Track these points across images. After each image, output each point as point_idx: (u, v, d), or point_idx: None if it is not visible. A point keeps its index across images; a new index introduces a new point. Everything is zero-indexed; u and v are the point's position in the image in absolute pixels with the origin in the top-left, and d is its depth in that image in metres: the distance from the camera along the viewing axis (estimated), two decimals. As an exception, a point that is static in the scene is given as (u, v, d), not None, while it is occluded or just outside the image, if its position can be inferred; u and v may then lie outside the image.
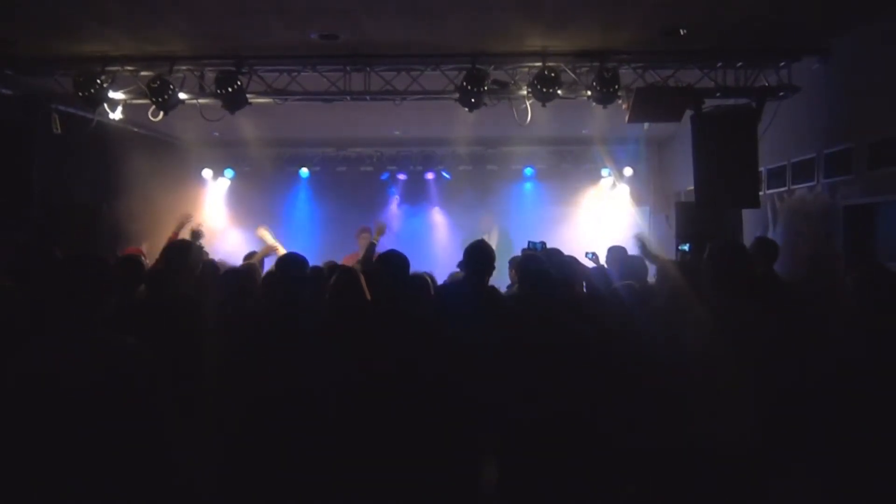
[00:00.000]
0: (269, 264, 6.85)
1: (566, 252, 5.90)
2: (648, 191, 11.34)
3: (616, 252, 6.18)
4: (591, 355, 3.47)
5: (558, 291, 3.98)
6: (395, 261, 3.70)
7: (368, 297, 3.99)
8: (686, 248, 7.12)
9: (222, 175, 12.12)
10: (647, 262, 5.37)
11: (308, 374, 3.39)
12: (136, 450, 2.85)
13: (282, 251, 6.91)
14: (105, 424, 2.77)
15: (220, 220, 11.74)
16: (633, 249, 5.68)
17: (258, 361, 3.46)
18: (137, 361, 2.88)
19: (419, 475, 3.21)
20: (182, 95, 7.25)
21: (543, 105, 7.06)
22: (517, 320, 3.81)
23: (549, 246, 6.17)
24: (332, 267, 5.39)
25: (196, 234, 6.65)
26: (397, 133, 11.00)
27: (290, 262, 3.95)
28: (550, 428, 3.30)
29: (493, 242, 10.28)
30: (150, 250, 7.59)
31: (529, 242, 6.34)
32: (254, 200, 11.78)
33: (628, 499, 3.25)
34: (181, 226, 6.62)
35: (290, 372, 3.39)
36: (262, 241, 7.07)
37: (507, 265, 6.74)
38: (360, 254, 9.76)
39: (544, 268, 4.12)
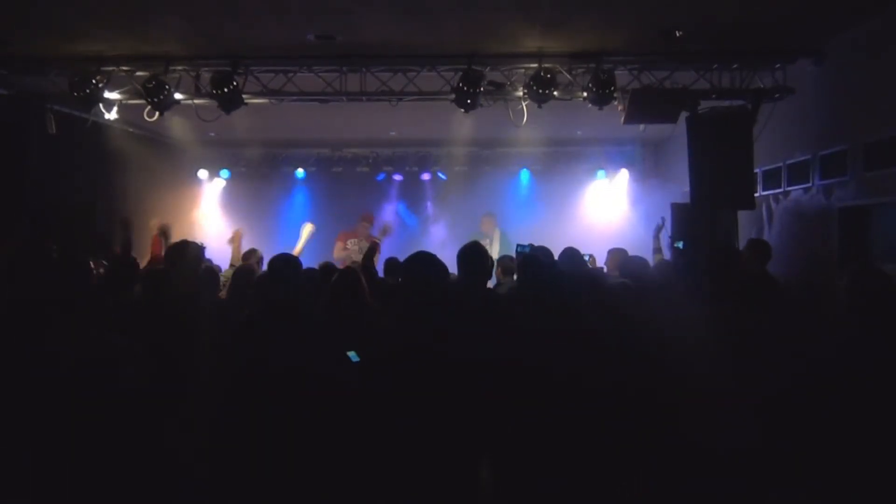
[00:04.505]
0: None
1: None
2: (644, 192, 11.35)
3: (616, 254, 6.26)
4: (591, 355, 3.47)
5: (561, 287, 3.99)
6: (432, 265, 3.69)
7: (369, 297, 3.99)
8: (681, 245, 7.12)
9: (218, 175, 12.11)
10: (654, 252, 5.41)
11: (306, 373, 3.38)
12: (128, 445, 2.85)
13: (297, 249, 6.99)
14: (97, 420, 2.77)
15: (216, 220, 11.73)
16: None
17: (255, 361, 3.45)
18: (128, 359, 2.88)
19: (418, 475, 3.21)
20: (178, 96, 7.24)
21: (539, 106, 7.07)
22: (517, 321, 3.81)
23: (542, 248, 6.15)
24: (327, 268, 5.39)
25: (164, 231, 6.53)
26: (393, 134, 11.00)
27: (283, 264, 3.93)
28: (549, 428, 3.30)
29: (496, 246, 10.23)
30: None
31: (519, 246, 6.34)
32: (249, 201, 11.78)
33: (627, 499, 3.25)
34: (163, 235, 6.48)
35: (288, 371, 3.39)
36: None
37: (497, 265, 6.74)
38: (357, 237, 9.86)
39: (546, 264, 4.12)
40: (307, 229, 7.57)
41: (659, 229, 6.81)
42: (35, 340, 2.90)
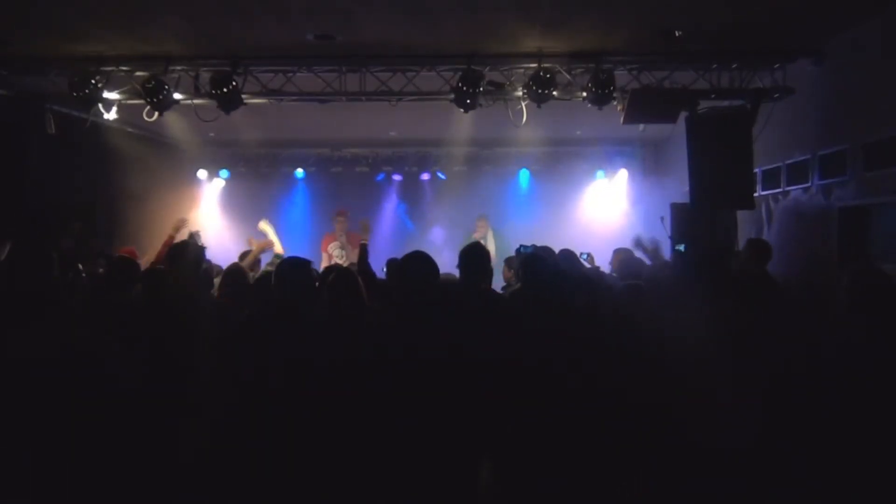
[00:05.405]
0: (264, 260, 6.88)
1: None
2: (644, 192, 11.35)
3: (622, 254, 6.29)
4: (590, 354, 3.47)
5: (561, 287, 3.99)
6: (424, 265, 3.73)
7: (366, 297, 3.98)
8: (682, 248, 7.13)
9: (217, 175, 12.11)
10: (644, 258, 5.41)
11: (305, 373, 3.38)
12: (126, 445, 2.85)
13: (278, 247, 6.95)
14: (93, 420, 2.78)
15: (215, 220, 11.73)
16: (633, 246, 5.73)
17: (255, 361, 3.45)
18: (122, 358, 2.89)
19: (418, 475, 3.21)
20: (177, 96, 7.24)
21: (539, 106, 7.07)
22: (519, 322, 3.81)
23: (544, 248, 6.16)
24: (328, 269, 5.38)
25: (194, 236, 6.61)
26: (392, 134, 11.00)
27: (292, 266, 3.95)
28: (549, 428, 3.30)
29: (490, 245, 10.27)
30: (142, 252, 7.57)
31: (522, 246, 6.35)
32: (249, 201, 11.77)
33: (627, 499, 3.25)
34: (177, 230, 6.56)
35: (288, 371, 3.39)
36: (263, 234, 7.10)
37: (503, 265, 6.75)
38: (337, 237, 9.88)
39: (548, 263, 4.13)
40: (266, 226, 7.38)
41: (637, 243, 6.75)
42: (25, 339, 2.91)
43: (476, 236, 10.68)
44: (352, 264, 7.74)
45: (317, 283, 4.31)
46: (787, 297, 5.39)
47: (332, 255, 9.90)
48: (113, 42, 6.66)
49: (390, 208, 12.53)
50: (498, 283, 6.87)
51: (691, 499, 3.27)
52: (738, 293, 3.93)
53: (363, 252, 6.06)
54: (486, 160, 11.89)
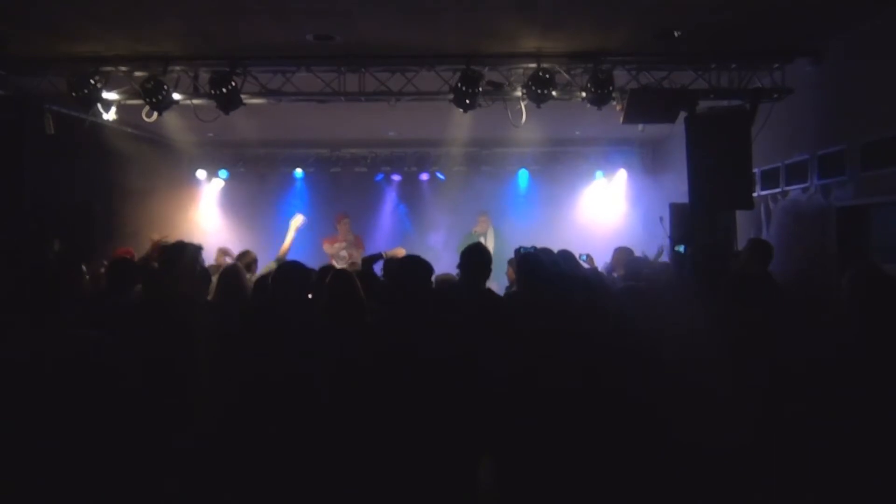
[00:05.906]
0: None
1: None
2: (643, 192, 11.38)
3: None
4: (590, 354, 3.47)
5: (559, 286, 4.00)
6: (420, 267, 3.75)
7: (364, 298, 3.99)
8: (681, 249, 7.14)
9: (216, 176, 12.11)
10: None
11: (304, 372, 3.38)
12: (123, 445, 2.86)
13: (286, 246, 7.01)
14: (89, 420, 2.78)
15: (214, 220, 11.73)
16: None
17: (255, 362, 3.45)
18: (101, 352, 2.90)
19: (418, 476, 3.21)
20: (176, 96, 7.23)
21: (538, 106, 7.07)
22: (518, 321, 3.81)
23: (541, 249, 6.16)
24: (326, 270, 5.38)
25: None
26: (392, 134, 11.00)
27: (291, 268, 3.97)
28: (549, 428, 3.30)
29: (490, 244, 10.30)
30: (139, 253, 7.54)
31: (521, 248, 6.35)
32: (248, 201, 11.80)
33: (626, 498, 3.25)
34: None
35: (286, 370, 3.39)
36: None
37: (506, 265, 6.75)
38: (341, 238, 9.95)
39: (549, 265, 4.13)
40: (296, 221, 7.54)
41: (660, 253, 6.87)
42: (24, 338, 2.92)
43: (477, 230, 10.69)
44: (352, 264, 7.74)
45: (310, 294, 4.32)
46: (787, 297, 5.39)
47: (338, 255, 9.94)
48: (112, 42, 6.66)
49: (389, 208, 12.53)
50: (501, 284, 6.91)
51: (691, 499, 3.27)
52: (738, 293, 3.93)
53: (374, 257, 6.06)
54: (485, 160, 11.89)
